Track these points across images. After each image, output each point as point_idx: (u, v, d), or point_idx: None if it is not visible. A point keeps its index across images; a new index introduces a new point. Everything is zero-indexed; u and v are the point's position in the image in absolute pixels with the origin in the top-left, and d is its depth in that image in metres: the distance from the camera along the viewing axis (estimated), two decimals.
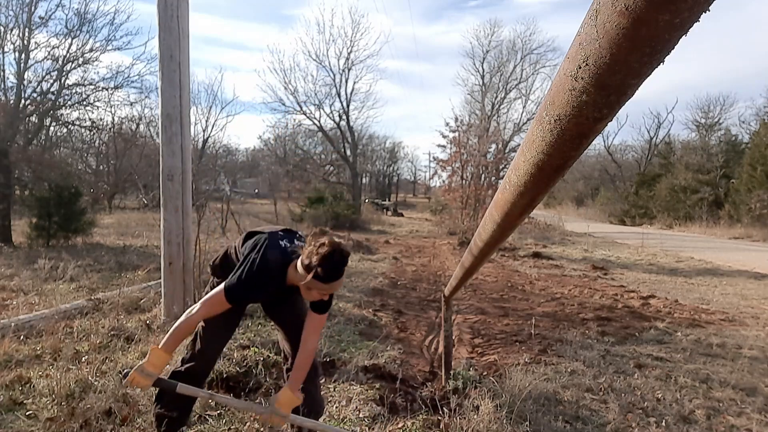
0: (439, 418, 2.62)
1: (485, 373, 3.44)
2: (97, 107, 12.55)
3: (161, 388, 2.05)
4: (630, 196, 29.71)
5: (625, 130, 74.80)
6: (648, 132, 36.70)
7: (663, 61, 0.47)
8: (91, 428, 2.27)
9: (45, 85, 11.20)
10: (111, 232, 11.45)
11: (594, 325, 4.79)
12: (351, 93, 22.00)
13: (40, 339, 3.44)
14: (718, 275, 8.60)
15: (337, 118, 22.16)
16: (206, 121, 26.55)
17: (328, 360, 3.39)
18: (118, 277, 5.98)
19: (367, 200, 28.65)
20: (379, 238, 14.27)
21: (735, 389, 3.21)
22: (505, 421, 2.48)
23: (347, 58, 21.66)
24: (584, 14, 0.52)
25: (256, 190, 33.97)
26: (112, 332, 3.63)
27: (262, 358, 3.19)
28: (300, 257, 1.83)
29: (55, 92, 11.25)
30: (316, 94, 21.95)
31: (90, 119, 12.84)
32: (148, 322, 3.94)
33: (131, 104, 22.94)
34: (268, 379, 2.97)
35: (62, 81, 11.32)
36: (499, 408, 2.65)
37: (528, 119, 24.45)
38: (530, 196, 0.90)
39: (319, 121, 22.25)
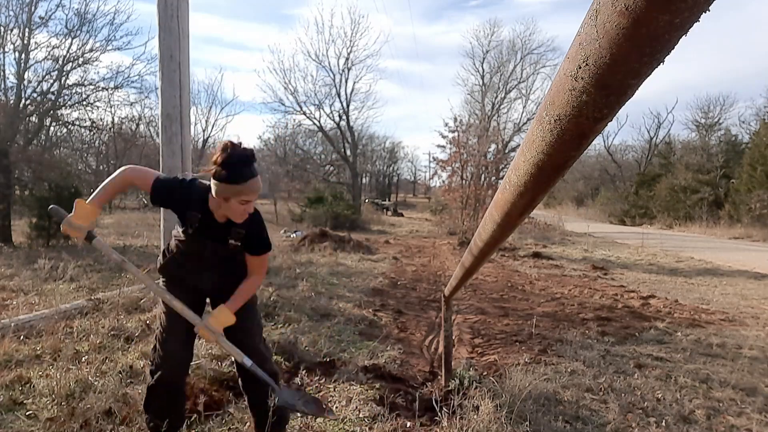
0: (439, 418, 2.62)
1: (485, 373, 3.44)
2: (97, 107, 12.58)
3: (147, 393, 2.06)
4: (630, 196, 29.72)
5: (625, 130, 74.86)
6: (648, 132, 36.79)
7: (663, 61, 0.47)
8: (91, 428, 2.27)
9: (45, 85, 11.23)
10: (111, 232, 11.45)
11: (594, 325, 4.79)
12: (351, 93, 22.03)
13: (40, 339, 3.44)
14: (718, 275, 8.60)
15: (337, 118, 22.18)
16: (206, 121, 26.57)
17: (328, 360, 3.39)
18: (118, 277, 5.98)
19: (367, 200, 28.66)
20: (379, 238, 14.28)
21: (735, 389, 3.21)
22: (505, 421, 2.48)
23: (347, 58, 21.69)
24: (584, 14, 0.52)
25: None
26: (112, 332, 3.63)
27: None
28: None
29: (55, 92, 11.26)
30: (316, 94, 22.00)
31: (90, 119, 12.87)
32: (148, 322, 3.94)
33: (131, 104, 22.98)
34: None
35: (62, 81, 11.34)
36: (499, 408, 2.65)
37: (528, 119, 24.46)
38: (530, 196, 0.89)
39: (319, 121, 22.28)
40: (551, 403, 2.89)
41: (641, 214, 27.06)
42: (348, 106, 22.03)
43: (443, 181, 16.64)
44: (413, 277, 7.83)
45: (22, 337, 3.49)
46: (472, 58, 28.66)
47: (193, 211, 1.90)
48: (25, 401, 2.55)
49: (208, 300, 2.17)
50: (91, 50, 11.61)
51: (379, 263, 8.90)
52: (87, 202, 1.90)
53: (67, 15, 11.79)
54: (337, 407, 2.72)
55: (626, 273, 8.76)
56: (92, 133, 16.38)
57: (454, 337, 4.25)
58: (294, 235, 13.22)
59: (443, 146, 15.86)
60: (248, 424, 2.43)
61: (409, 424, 2.56)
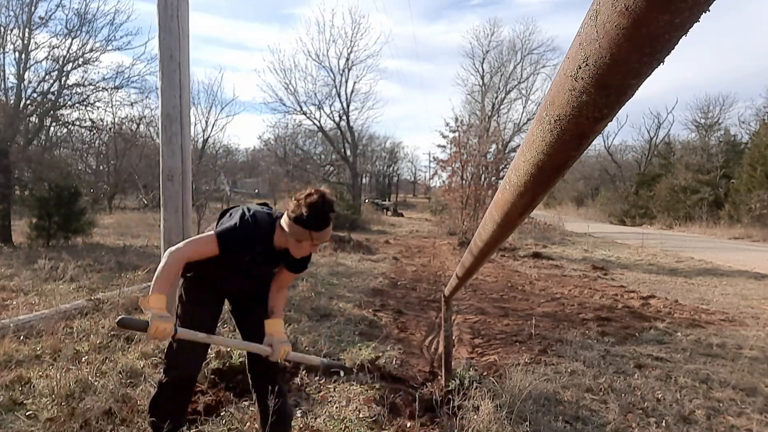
0: (439, 418, 2.62)
1: (485, 373, 3.44)
2: (98, 107, 12.56)
3: (158, 390, 2.09)
4: (630, 196, 29.73)
5: (625, 130, 74.90)
6: (648, 132, 36.78)
7: (663, 61, 0.47)
8: (91, 428, 2.27)
9: (45, 86, 11.21)
10: (111, 232, 11.45)
11: (594, 325, 4.79)
12: (351, 93, 22.03)
13: (40, 339, 3.44)
14: (718, 275, 8.60)
15: (337, 119, 22.18)
16: (206, 121, 26.52)
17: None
18: (118, 277, 5.98)
19: (367, 200, 28.65)
20: (379, 238, 14.28)
21: (735, 389, 3.21)
22: (505, 421, 2.48)
23: (347, 59, 21.68)
24: (584, 14, 0.52)
25: (256, 190, 33.98)
26: (112, 332, 3.63)
27: None
28: (285, 214, 1.88)
29: (56, 92, 11.25)
30: (316, 95, 21.97)
31: (90, 119, 12.84)
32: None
33: (131, 104, 22.93)
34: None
35: (62, 81, 11.33)
36: (499, 408, 2.65)
37: (528, 119, 24.45)
38: (530, 196, 0.89)
39: (319, 122, 22.28)
40: (551, 403, 2.89)
41: (641, 215, 27.06)
42: (348, 106, 22.04)
43: (443, 181, 16.65)
44: (413, 277, 7.83)
45: (22, 337, 3.49)
46: (472, 58, 28.64)
47: (258, 246, 1.96)
48: (25, 401, 2.55)
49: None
50: (91, 50, 11.61)
51: (379, 263, 8.90)
52: (155, 292, 1.78)
53: (67, 15, 11.80)
54: (337, 407, 2.72)
55: (626, 273, 8.76)
56: (92, 133, 16.39)
57: (454, 337, 4.24)
58: None
59: (443, 146, 15.87)
60: (248, 424, 2.43)
61: (409, 424, 2.56)
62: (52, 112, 11.51)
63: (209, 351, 2.51)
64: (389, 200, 38.67)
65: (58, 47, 11.27)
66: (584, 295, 6.46)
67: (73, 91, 11.48)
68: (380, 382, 3.07)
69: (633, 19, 0.43)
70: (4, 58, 11.39)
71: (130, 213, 18.23)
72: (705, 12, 0.41)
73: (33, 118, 11.50)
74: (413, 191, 58.94)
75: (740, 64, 59.78)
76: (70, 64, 11.32)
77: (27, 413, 2.41)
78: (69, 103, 11.52)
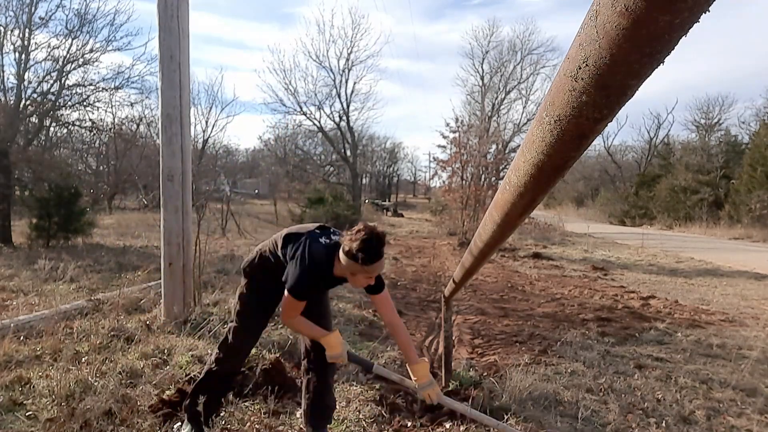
0: (439, 419, 2.62)
1: (485, 373, 3.44)
2: (98, 108, 12.55)
3: (206, 376, 2.28)
4: (630, 197, 29.72)
5: (625, 130, 74.84)
6: (648, 132, 36.76)
7: (663, 61, 0.47)
8: (91, 429, 2.27)
9: (45, 86, 11.20)
10: (111, 233, 11.45)
11: (594, 325, 4.79)
12: (351, 94, 22.01)
13: (40, 339, 3.44)
14: (718, 276, 8.60)
15: (337, 119, 22.15)
16: (206, 122, 26.49)
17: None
18: (118, 278, 5.98)
19: (367, 201, 28.65)
20: None
21: (735, 390, 3.20)
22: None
23: (347, 59, 21.67)
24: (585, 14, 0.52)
25: (257, 191, 33.98)
26: (112, 333, 3.62)
27: (259, 360, 3.18)
28: (341, 247, 1.95)
29: (56, 93, 11.24)
30: (316, 95, 21.95)
31: (90, 120, 12.82)
32: (148, 322, 3.94)
33: (131, 105, 22.93)
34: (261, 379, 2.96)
35: (62, 81, 11.31)
36: (499, 409, 2.65)
37: (528, 120, 24.44)
38: (530, 197, 0.90)
39: (319, 122, 22.26)
40: (551, 403, 2.89)
41: (641, 215, 27.05)
42: (348, 106, 22.02)
43: (443, 182, 16.64)
44: (413, 277, 7.83)
45: (22, 338, 3.49)
46: (471, 59, 28.58)
47: (323, 282, 2.09)
48: (25, 402, 2.54)
49: None
50: (91, 51, 11.59)
51: None
52: (327, 336, 2.10)
53: (67, 15, 11.77)
54: (337, 407, 2.72)
55: (626, 273, 8.76)
56: (92, 133, 16.37)
57: (454, 338, 4.24)
58: None
59: (444, 146, 15.86)
60: (248, 424, 2.43)
61: (409, 424, 2.56)
62: (52, 112, 11.51)
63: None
64: (389, 200, 38.65)
65: (58, 47, 11.26)
66: (584, 296, 6.46)
67: (73, 91, 11.47)
68: (380, 383, 3.07)
69: (633, 19, 0.43)
70: (4, 58, 11.37)
71: (130, 213, 18.23)
72: (705, 12, 0.41)
73: (33, 119, 11.50)
74: (413, 191, 58.92)
75: (740, 64, 59.80)
76: (70, 64, 11.32)
77: (27, 413, 2.41)
78: (69, 103, 11.52)
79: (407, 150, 70.90)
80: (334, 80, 21.69)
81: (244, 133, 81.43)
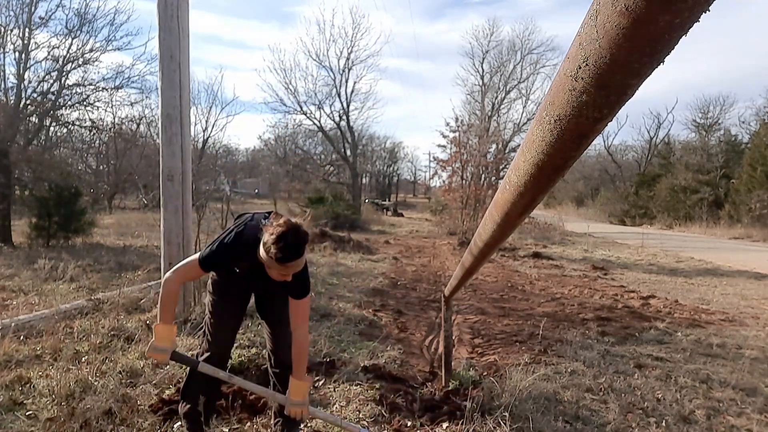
0: (439, 418, 2.62)
1: (485, 373, 3.44)
2: (98, 107, 12.54)
3: (188, 377, 2.26)
4: (630, 197, 29.72)
5: (625, 130, 74.85)
6: (648, 132, 36.79)
7: (663, 61, 0.47)
8: (91, 428, 2.27)
9: (45, 86, 11.20)
10: (111, 232, 11.45)
11: (594, 325, 4.79)
12: (351, 93, 22.02)
13: (40, 339, 3.44)
14: (718, 275, 8.60)
15: (337, 118, 22.15)
16: (206, 121, 26.51)
17: (328, 360, 3.39)
18: (118, 277, 5.98)
19: (367, 200, 28.64)
20: (379, 238, 14.27)
21: (735, 389, 3.20)
22: (504, 421, 2.48)
23: (347, 58, 21.67)
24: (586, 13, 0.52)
25: (257, 190, 33.98)
26: (112, 332, 3.63)
27: (256, 359, 3.18)
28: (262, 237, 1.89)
29: (56, 92, 11.24)
30: (316, 94, 21.96)
31: (90, 119, 12.83)
32: (148, 322, 3.94)
33: (131, 104, 22.92)
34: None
35: (62, 81, 11.32)
36: (499, 408, 2.65)
37: (528, 119, 24.42)
38: (530, 196, 0.89)
39: (319, 122, 22.27)
40: (551, 403, 2.89)
41: (641, 215, 27.06)
42: (348, 106, 22.03)
43: (443, 181, 16.66)
44: (413, 277, 7.83)
45: (22, 337, 3.49)
46: (471, 58, 28.57)
47: (243, 262, 2.05)
48: (25, 401, 2.54)
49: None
50: (91, 50, 11.59)
51: (379, 263, 8.90)
52: (159, 324, 2.00)
53: (67, 15, 11.78)
54: (337, 407, 2.72)
55: (626, 273, 8.76)
56: (92, 133, 16.38)
57: (454, 337, 4.25)
58: None
59: (444, 146, 15.87)
60: (248, 424, 2.43)
61: (409, 424, 2.56)
62: (52, 112, 11.50)
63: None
64: (389, 200, 38.65)
65: (58, 47, 11.26)
66: (584, 295, 6.46)
67: (73, 91, 11.47)
68: (380, 382, 3.07)
69: (633, 19, 0.43)
70: (4, 58, 11.38)
71: (130, 213, 18.23)
72: (705, 12, 0.41)
73: (33, 118, 11.49)
74: (413, 191, 58.91)
75: (740, 64, 59.81)
76: (70, 64, 11.32)
77: (27, 413, 2.41)
78: (69, 103, 11.52)
79: (407, 150, 70.89)
80: (334, 80, 21.71)
81: (244, 132, 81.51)
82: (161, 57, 4.00)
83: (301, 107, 21.76)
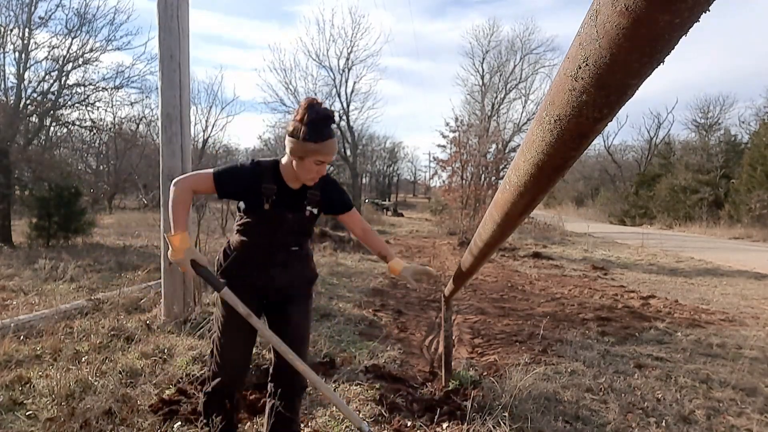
0: (439, 418, 2.62)
1: (485, 373, 3.44)
2: (98, 107, 12.56)
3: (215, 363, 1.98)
4: (630, 196, 29.72)
5: (625, 130, 74.86)
6: (648, 132, 36.80)
7: (663, 61, 0.47)
8: (91, 428, 2.27)
9: (45, 85, 11.21)
10: (111, 232, 11.45)
11: (594, 325, 4.79)
12: (351, 93, 22.04)
13: (40, 339, 3.44)
14: (718, 275, 8.60)
15: (337, 118, 22.15)
16: (206, 121, 26.48)
17: (328, 360, 3.40)
18: (118, 277, 5.98)
19: (367, 200, 28.64)
20: None
21: (735, 389, 3.20)
22: (504, 421, 2.48)
23: (347, 58, 21.68)
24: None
25: None
26: (112, 332, 3.63)
27: (257, 360, 3.19)
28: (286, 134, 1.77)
29: (56, 92, 11.25)
30: (316, 94, 21.95)
31: (90, 119, 12.84)
32: (148, 322, 3.94)
33: (131, 104, 22.95)
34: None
35: (62, 81, 11.32)
36: (499, 408, 2.65)
37: (528, 119, 24.43)
38: (530, 196, 0.90)
39: None
40: (551, 403, 2.89)
41: (641, 214, 27.06)
42: (348, 106, 22.04)
43: (443, 181, 16.66)
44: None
45: (22, 337, 3.49)
46: (471, 58, 28.59)
47: (266, 184, 1.85)
48: (25, 401, 2.54)
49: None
50: (91, 50, 11.60)
51: (379, 263, 8.89)
52: (172, 233, 1.81)
53: (67, 15, 11.80)
54: (337, 407, 2.72)
55: (626, 273, 8.76)
56: (92, 133, 16.38)
57: (454, 337, 4.24)
58: None
59: (444, 146, 15.88)
60: (248, 424, 2.43)
61: (409, 423, 2.56)
62: (52, 112, 11.51)
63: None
64: (389, 200, 38.66)
65: (58, 47, 11.27)
66: (584, 295, 6.46)
67: (73, 91, 11.48)
68: (380, 382, 3.07)
69: (633, 19, 0.43)
70: (4, 58, 11.38)
71: (130, 213, 18.23)
72: (705, 12, 0.41)
73: (33, 118, 11.50)
74: (413, 191, 58.93)
75: (740, 64, 59.86)
76: (70, 64, 11.32)
77: (27, 413, 2.41)
78: (69, 103, 11.52)
79: (407, 149, 70.77)
80: (334, 79, 21.73)
81: (244, 132, 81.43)
82: (161, 57, 4.00)
83: None
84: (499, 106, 25.58)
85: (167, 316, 4.00)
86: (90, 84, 11.59)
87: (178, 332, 3.77)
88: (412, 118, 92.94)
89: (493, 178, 15.47)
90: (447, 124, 15.71)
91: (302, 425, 2.49)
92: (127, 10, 20.20)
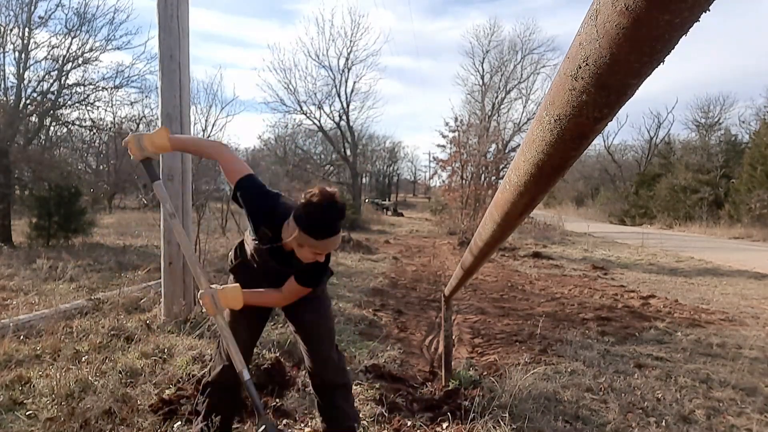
0: (439, 418, 2.62)
1: (485, 373, 3.44)
2: (97, 107, 12.56)
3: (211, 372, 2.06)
4: (630, 196, 29.72)
5: (625, 130, 74.80)
6: (648, 132, 36.77)
7: (663, 61, 0.47)
8: (91, 428, 2.27)
9: (45, 85, 11.20)
10: (111, 232, 11.45)
11: (594, 325, 4.79)
12: (351, 93, 22.02)
13: (40, 339, 3.44)
14: (718, 275, 8.60)
15: (337, 118, 22.14)
16: (206, 121, 26.48)
17: None
18: (118, 277, 5.98)
19: (367, 200, 28.65)
20: (379, 238, 14.28)
21: (735, 389, 3.20)
22: (505, 420, 2.48)
23: (347, 58, 21.67)
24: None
25: None
26: (112, 332, 3.63)
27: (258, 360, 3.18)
28: (293, 210, 1.70)
29: (55, 92, 11.25)
30: (316, 94, 21.94)
31: (90, 119, 12.83)
32: (148, 322, 3.94)
33: (131, 104, 22.91)
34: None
35: (62, 81, 11.32)
36: (499, 408, 2.65)
37: (528, 119, 24.41)
38: (530, 196, 0.90)
39: (319, 121, 22.26)
40: (551, 403, 2.89)
41: (641, 214, 27.06)
42: (348, 105, 22.02)
43: (443, 181, 16.68)
44: (413, 277, 7.83)
45: (22, 337, 3.49)
46: (472, 58, 28.56)
47: (266, 227, 1.81)
48: (25, 401, 2.54)
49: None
50: (91, 50, 11.59)
51: (379, 263, 8.89)
52: (171, 136, 1.88)
53: (66, 14, 11.83)
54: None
55: (626, 273, 8.76)
56: (92, 132, 16.39)
57: (454, 337, 4.24)
58: None
59: (443, 146, 15.89)
60: (248, 424, 2.43)
61: (409, 423, 2.56)
62: (52, 111, 11.51)
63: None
64: (389, 200, 38.65)
65: (57, 47, 11.26)
66: (584, 295, 6.46)
67: (73, 90, 11.47)
68: (380, 382, 3.07)
69: (633, 19, 0.43)
70: (4, 57, 11.37)
71: (130, 213, 18.24)
72: (705, 12, 0.41)
73: (33, 118, 11.50)
74: (413, 191, 58.91)
75: (740, 63, 59.90)
76: (70, 63, 11.31)
77: (27, 413, 2.41)
78: (69, 102, 11.52)
79: (407, 149, 70.75)
80: (334, 79, 21.70)
81: (244, 132, 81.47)
82: (161, 57, 4.00)
83: (300, 107, 21.75)
84: (499, 106, 25.57)
85: (167, 316, 4.00)
86: (90, 84, 11.59)
87: (177, 332, 3.77)
88: (412, 118, 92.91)
89: (493, 178, 15.48)
90: (446, 124, 15.73)
91: (303, 425, 2.49)
92: (127, 9, 20.18)
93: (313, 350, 2.00)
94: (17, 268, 6.33)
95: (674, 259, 10.74)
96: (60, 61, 11.14)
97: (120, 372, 2.88)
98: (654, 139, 35.34)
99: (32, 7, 10.91)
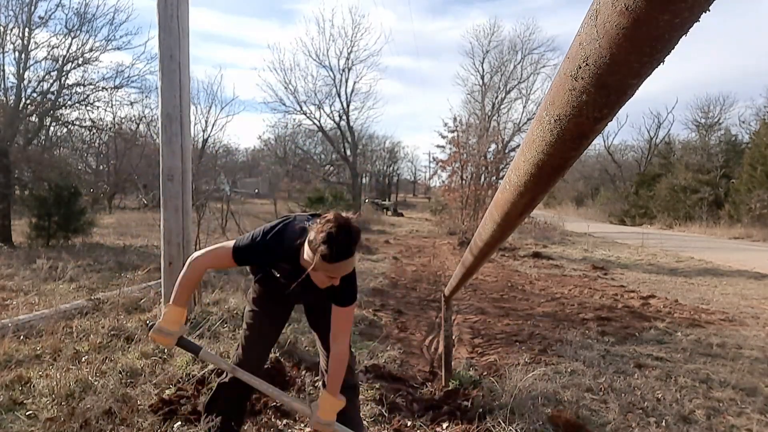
0: (439, 418, 2.62)
1: (485, 373, 3.44)
2: (97, 107, 12.58)
3: (216, 390, 2.14)
4: (630, 196, 29.72)
5: (625, 130, 74.76)
6: (648, 132, 36.74)
7: (663, 61, 0.47)
8: (91, 428, 2.27)
9: (45, 85, 11.22)
10: (111, 232, 11.44)
11: (594, 325, 4.79)
12: (351, 93, 22.04)
13: (40, 339, 3.44)
14: (718, 275, 8.60)
15: (337, 118, 22.18)
16: (206, 121, 26.49)
17: None
18: (118, 277, 5.98)
19: (367, 200, 28.64)
20: (379, 238, 14.27)
21: (735, 389, 3.20)
22: (505, 421, 2.48)
23: (347, 58, 21.69)
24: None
25: (256, 190, 33.96)
26: (112, 332, 3.63)
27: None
28: (307, 235, 1.72)
29: (55, 92, 11.26)
30: (316, 94, 21.96)
31: (90, 119, 12.86)
32: (148, 321, 3.94)
33: (131, 104, 22.92)
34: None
35: (62, 81, 11.33)
36: (499, 408, 2.65)
37: (528, 119, 24.40)
38: (530, 196, 0.90)
39: (319, 121, 22.28)
40: (551, 403, 2.89)
41: (641, 214, 27.06)
42: (348, 105, 22.05)
43: (443, 181, 16.67)
44: (413, 277, 7.83)
45: (22, 337, 3.49)
46: (472, 58, 28.56)
47: (283, 263, 1.89)
48: (25, 401, 2.54)
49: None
50: (91, 50, 11.62)
51: (379, 263, 8.89)
52: (171, 305, 1.89)
53: (66, 15, 11.83)
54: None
55: (626, 273, 8.76)
56: (92, 133, 16.39)
57: (454, 337, 4.24)
58: None
59: (443, 146, 15.88)
60: (248, 423, 2.43)
61: (409, 423, 2.56)
62: (51, 111, 11.52)
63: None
64: (389, 200, 38.63)
65: (57, 47, 11.29)
66: (584, 295, 6.46)
67: (73, 90, 11.49)
68: (380, 382, 3.07)
69: (633, 19, 0.43)
70: (4, 57, 11.39)
71: (130, 213, 18.23)
72: (705, 12, 0.41)
73: (33, 118, 11.51)
74: (413, 191, 58.89)
75: (740, 63, 59.91)
76: (70, 63, 11.33)
77: (27, 413, 2.41)
78: (69, 102, 11.53)
79: (407, 149, 70.69)
80: (334, 79, 21.73)
81: (244, 132, 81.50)
82: (161, 57, 4.00)
83: (300, 107, 21.78)
84: (499, 106, 25.56)
85: None
86: (90, 84, 11.61)
87: None
88: (412, 118, 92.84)
89: (493, 178, 15.47)
90: (445, 125, 15.73)
91: (303, 425, 2.49)
92: (127, 10, 20.24)
93: (327, 344, 2.07)
94: (17, 268, 6.33)
95: (674, 259, 10.74)
96: (60, 61, 11.16)
97: (120, 372, 2.88)
98: (654, 139, 35.35)
99: (32, 7, 10.93)
